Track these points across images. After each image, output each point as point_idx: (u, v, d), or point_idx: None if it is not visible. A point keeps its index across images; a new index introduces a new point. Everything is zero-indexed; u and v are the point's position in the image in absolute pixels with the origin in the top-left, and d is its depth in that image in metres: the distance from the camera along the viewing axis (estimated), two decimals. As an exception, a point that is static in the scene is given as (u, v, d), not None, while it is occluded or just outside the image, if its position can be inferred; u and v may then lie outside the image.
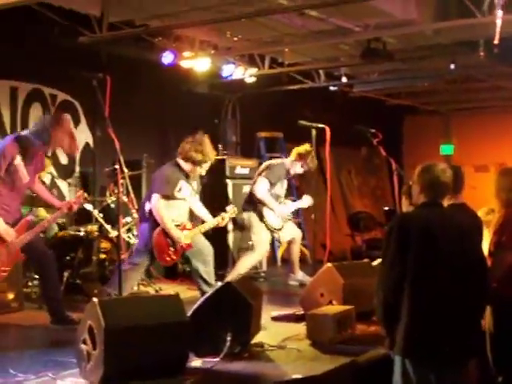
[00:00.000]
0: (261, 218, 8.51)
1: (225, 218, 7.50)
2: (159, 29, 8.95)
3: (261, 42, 9.82)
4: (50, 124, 6.20)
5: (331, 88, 12.32)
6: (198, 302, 5.27)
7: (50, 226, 7.80)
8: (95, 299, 4.57)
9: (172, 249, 7.13)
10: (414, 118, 16.38)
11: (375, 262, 8.00)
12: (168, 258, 7.16)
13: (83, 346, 4.62)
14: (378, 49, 9.09)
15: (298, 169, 8.75)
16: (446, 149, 15.47)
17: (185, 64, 10.05)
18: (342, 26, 8.76)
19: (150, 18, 8.67)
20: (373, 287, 6.10)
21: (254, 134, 12.04)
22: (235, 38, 9.51)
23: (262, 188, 8.52)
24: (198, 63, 10.11)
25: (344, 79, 11.79)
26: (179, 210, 7.29)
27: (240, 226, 8.85)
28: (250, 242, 8.56)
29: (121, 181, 8.08)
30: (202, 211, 7.57)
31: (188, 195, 7.35)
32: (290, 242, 8.95)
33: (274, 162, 8.90)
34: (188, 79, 10.69)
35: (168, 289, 8.30)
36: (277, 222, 8.60)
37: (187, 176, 7.31)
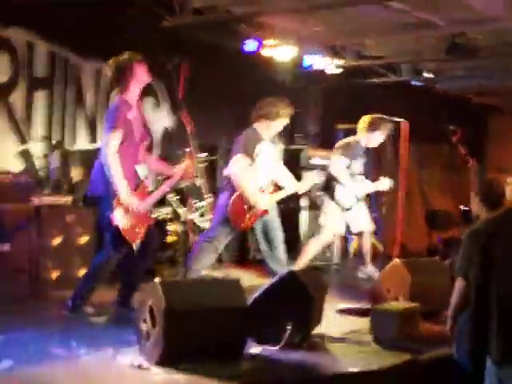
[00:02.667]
0: (332, 196, 8.27)
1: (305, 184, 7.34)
2: (242, 15, 8.94)
3: (344, 32, 9.73)
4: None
5: (414, 83, 12.14)
6: (261, 289, 5.26)
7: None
8: (157, 279, 4.62)
9: (248, 215, 6.95)
10: (499, 117, 16.00)
11: (447, 261, 7.92)
12: (243, 224, 6.97)
13: (143, 325, 4.68)
14: (463, 44, 8.91)
15: (375, 139, 8.33)
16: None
17: (266, 52, 10.04)
18: (427, 20, 8.62)
19: (232, 4, 8.69)
20: (441, 286, 6.09)
21: (334, 125, 11.96)
22: (318, 28, 9.44)
23: (338, 165, 8.24)
24: (279, 52, 10.09)
25: (427, 74, 11.60)
26: (260, 174, 7.04)
27: (313, 204, 8.70)
28: (320, 223, 8.41)
29: (201, 165, 8.26)
30: (286, 178, 7.31)
31: (268, 159, 7.09)
32: (360, 234, 8.74)
33: (349, 139, 8.50)
34: (269, 67, 10.66)
35: (237, 275, 8.31)
36: (349, 200, 8.31)
37: (265, 140, 7.08)
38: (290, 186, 7.27)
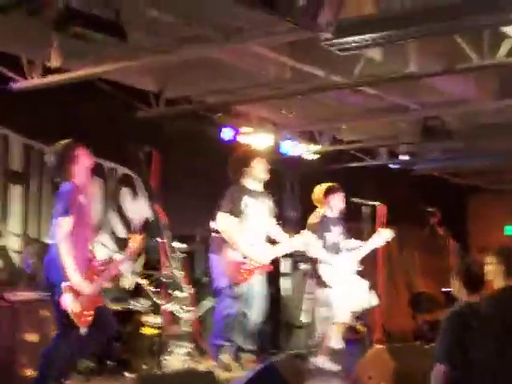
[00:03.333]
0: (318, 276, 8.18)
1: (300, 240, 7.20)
2: (214, 105, 9.06)
3: (318, 118, 9.85)
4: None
5: (392, 166, 12.23)
6: (240, 381, 5.13)
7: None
8: (133, 375, 4.51)
9: (243, 270, 6.87)
10: (478, 196, 16.08)
11: (432, 344, 7.80)
12: (241, 279, 6.90)
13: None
14: (436, 127, 9.00)
15: (336, 203, 8.36)
16: (510, 229, 15.12)
17: (243, 139, 10.12)
18: (399, 104, 8.72)
19: (206, 94, 8.79)
20: (425, 371, 5.97)
21: (313, 209, 11.94)
22: (290, 115, 9.54)
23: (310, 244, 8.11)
24: (256, 139, 10.17)
25: (404, 157, 11.70)
26: (249, 228, 7.02)
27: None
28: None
29: (174, 255, 8.18)
30: (281, 233, 7.26)
31: (257, 213, 7.08)
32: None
33: (313, 216, 8.54)
34: (246, 154, 10.68)
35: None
36: (334, 276, 8.17)
37: (251, 193, 7.09)
38: (286, 241, 7.23)
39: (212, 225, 7.03)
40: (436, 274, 14.81)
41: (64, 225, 5.84)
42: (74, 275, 5.76)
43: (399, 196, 12.43)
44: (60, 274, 5.80)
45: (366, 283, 8.36)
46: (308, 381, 5.80)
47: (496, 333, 4.81)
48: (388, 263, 12.83)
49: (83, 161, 6.07)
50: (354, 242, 8.50)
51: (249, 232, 6.99)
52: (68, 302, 5.75)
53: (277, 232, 7.25)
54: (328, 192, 8.42)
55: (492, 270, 5.31)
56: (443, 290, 12.12)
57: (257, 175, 7.15)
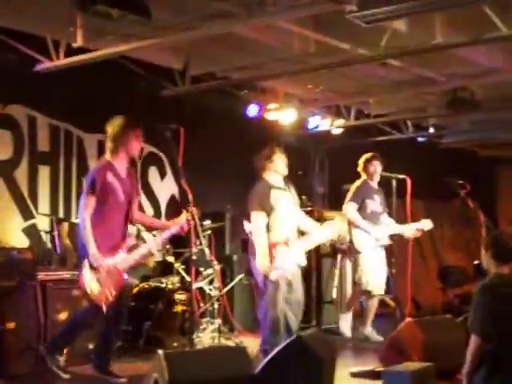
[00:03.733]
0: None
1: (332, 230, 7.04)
2: (239, 81, 9.02)
3: (345, 92, 9.80)
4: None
5: (419, 139, 12.12)
6: (269, 356, 5.13)
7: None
8: (160, 352, 4.52)
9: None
10: (508, 169, 15.90)
11: (461, 317, 7.77)
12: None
13: (150, 399, 4.58)
14: (464, 98, 8.91)
15: (376, 172, 8.66)
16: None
17: (270, 116, 10.10)
18: (426, 76, 8.63)
19: (231, 70, 8.76)
20: (456, 343, 5.94)
21: (340, 185, 11.91)
22: (317, 90, 9.49)
23: (348, 211, 8.52)
24: (283, 115, 10.15)
25: (432, 130, 11.60)
26: (283, 222, 6.90)
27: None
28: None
29: (205, 232, 8.21)
30: (310, 224, 7.17)
31: (286, 206, 6.98)
32: (373, 296, 8.65)
33: (355, 183, 8.81)
34: (274, 131, 10.68)
35: (249, 342, 8.16)
36: (366, 243, 8.46)
37: (277, 187, 7.02)
38: (318, 231, 7.08)
39: (246, 227, 6.98)
40: (466, 247, 14.75)
41: (86, 203, 5.93)
42: (91, 249, 5.84)
43: (427, 169, 12.35)
44: (84, 250, 5.92)
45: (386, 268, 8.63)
46: (337, 354, 5.76)
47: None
48: (417, 237, 12.81)
49: (133, 146, 6.18)
50: (391, 221, 8.72)
51: (283, 228, 6.93)
52: (86, 279, 5.87)
53: (307, 223, 7.19)
54: (366, 160, 8.74)
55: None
56: (474, 263, 12.04)
57: (278, 170, 7.11)
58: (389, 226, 8.61)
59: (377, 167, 8.69)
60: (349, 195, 8.68)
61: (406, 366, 5.85)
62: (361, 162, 8.78)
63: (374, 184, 8.74)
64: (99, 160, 6.38)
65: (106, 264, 5.92)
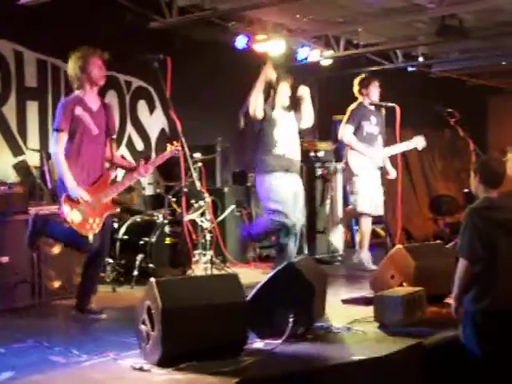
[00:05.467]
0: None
1: None
2: (227, 12, 8.91)
3: (333, 22, 9.70)
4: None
5: (409, 69, 12.05)
6: (260, 283, 5.19)
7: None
8: (153, 279, 4.56)
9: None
10: (498, 98, 15.87)
11: (451, 244, 7.84)
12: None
13: (143, 327, 4.62)
14: (453, 26, 8.83)
15: (373, 92, 8.61)
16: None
17: (259, 48, 10.01)
18: (415, 3, 8.54)
19: (218, 1, 8.67)
20: (445, 269, 6.01)
21: (332, 117, 11.89)
22: (305, 19, 9.40)
23: (344, 133, 8.56)
24: (271, 46, 10.06)
25: (421, 59, 11.52)
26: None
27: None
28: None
29: (196, 165, 8.23)
30: None
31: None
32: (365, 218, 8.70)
33: (351, 106, 8.76)
34: (263, 63, 10.58)
35: (242, 273, 8.23)
36: (361, 165, 8.50)
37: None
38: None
39: None
40: (456, 177, 14.83)
41: (57, 138, 5.92)
42: (68, 181, 5.84)
43: (417, 99, 12.32)
44: (61, 186, 5.93)
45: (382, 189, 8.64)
46: (328, 280, 5.83)
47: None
48: (407, 168, 12.85)
49: (95, 77, 6.06)
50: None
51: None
52: (66, 212, 5.88)
53: None
54: (362, 81, 8.67)
55: (510, 166, 5.29)
56: (464, 190, 12.11)
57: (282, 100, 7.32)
58: (385, 148, 8.59)
59: (376, 89, 8.63)
60: (344, 118, 8.65)
61: (396, 291, 5.93)
62: (356, 82, 8.71)
63: (371, 105, 8.66)
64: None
65: (86, 194, 5.92)
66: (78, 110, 5.97)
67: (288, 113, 7.57)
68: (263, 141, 7.38)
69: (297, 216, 7.36)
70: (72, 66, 6.05)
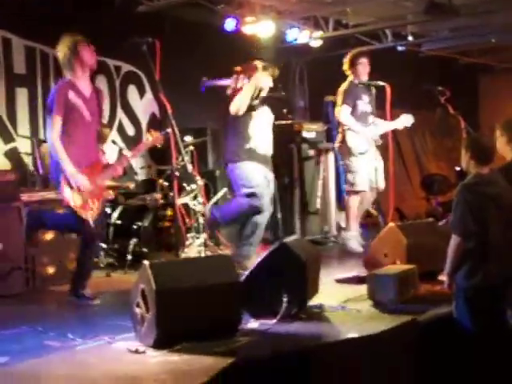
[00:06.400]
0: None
1: None
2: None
3: (321, 3, 9.67)
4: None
5: (399, 48, 12.02)
6: (254, 264, 5.20)
7: None
8: (146, 262, 4.57)
9: None
10: (489, 76, 15.86)
11: (443, 221, 7.88)
12: None
13: (137, 310, 4.63)
14: (441, 3, 8.80)
15: (363, 70, 8.58)
16: (524, 107, 14.99)
17: (248, 30, 9.98)
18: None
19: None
20: (438, 246, 6.04)
21: (322, 98, 11.87)
22: (294, 0, 9.38)
23: (341, 114, 8.50)
24: (261, 28, 10.03)
25: (411, 38, 11.49)
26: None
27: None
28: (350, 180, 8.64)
29: (187, 148, 8.23)
30: None
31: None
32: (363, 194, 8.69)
33: (343, 85, 8.70)
34: (252, 46, 10.58)
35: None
36: (361, 145, 8.47)
37: None
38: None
39: None
40: (447, 157, 14.84)
41: (53, 124, 5.91)
42: (67, 167, 5.85)
43: (408, 79, 12.31)
44: (59, 170, 5.93)
45: (382, 163, 8.63)
46: (321, 260, 5.86)
47: (506, 203, 4.84)
48: (399, 148, 12.85)
49: (86, 57, 6.04)
50: (377, 120, 8.69)
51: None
52: (67, 195, 5.90)
53: None
54: (353, 58, 8.62)
55: (499, 142, 5.32)
56: (456, 169, 12.13)
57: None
58: (378, 126, 8.57)
59: (366, 66, 8.59)
60: (339, 99, 8.59)
61: (389, 269, 5.97)
62: (347, 59, 8.66)
63: (361, 84, 8.62)
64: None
65: (86, 180, 5.93)
66: (72, 95, 5.97)
67: (263, 106, 7.47)
68: (238, 134, 7.27)
69: (267, 201, 7.34)
70: (63, 50, 6.03)
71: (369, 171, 8.48)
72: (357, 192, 8.54)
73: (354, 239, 8.53)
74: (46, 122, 8.35)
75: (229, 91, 7.38)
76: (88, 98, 6.10)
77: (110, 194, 6.40)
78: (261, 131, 7.33)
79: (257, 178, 7.22)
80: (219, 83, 7.30)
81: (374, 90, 8.57)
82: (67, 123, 5.94)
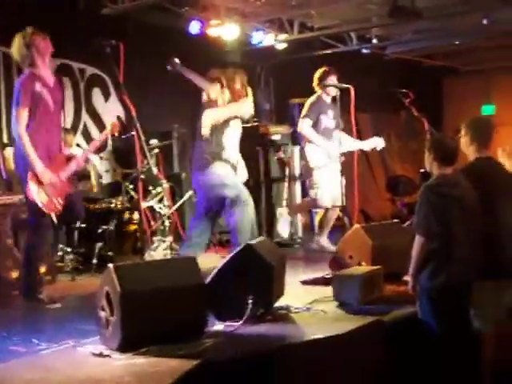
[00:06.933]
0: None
1: None
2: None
3: (286, 5, 9.70)
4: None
5: (364, 51, 12.09)
6: (219, 266, 5.19)
7: None
8: (110, 265, 4.54)
9: None
10: (453, 79, 15.99)
11: (407, 223, 7.93)
12: None
13: (102, 313, 4.60)
14: (405, 6, 8.87)
15: (331, 89, 8.58)
16: (488, 109, 15.14)
17: (213, 33, 9.98)
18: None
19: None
20: (402, 247, 6.08)
21: (288, 100, 11.90)
22: (259, 3, 9.40)
23: (302, 126, 8.54)
24: (226, 31, 10.04)
25: (375, 41, 11.57)
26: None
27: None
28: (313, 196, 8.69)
29: (153, 151, 8.21)
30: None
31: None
32: (327, 209, 8.74)
33: (310, 98, 8.76)
34: (217, 49, 10.59)
35: (202, 258, 8.22)
36: (320, 158, 8.52)
37: None
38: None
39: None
40: (412, 159, 14.93)
41: (20, 117, 5.87)
42: (36, 164, 5.85)
43: (373, 82, 12.39)
44: (25, 165, 5.90)
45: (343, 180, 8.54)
46: (286, 261, 5.86)
47: (469, 204, 4.87)
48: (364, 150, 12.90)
49: (43, 49, 6.00)
50: (344, 137, 8.70)
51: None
52: (33, 191, 5.88)
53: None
54: (321, 75, 8.66)
55: (463, 142, 5.35)
56: (420, 170, 12.22)
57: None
58: (342, 143, 8.50)
59: (334, 82, 8.61)
60: (303, 111, 8.64)
61: (354, 270, 5.99)
62: (316, 76, 8.69)
63: (328, 99, 8.68)
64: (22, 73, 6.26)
65: (54, 177, 5.92)
66: (37, 86, 5.94)
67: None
68: (211, 145, 7.17)
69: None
70: (17, 47, 6.02)
71: (331, 186, 8.47)
72: (320, 207, 8.63)
73: (327, 243, 8.65)
74: (8, 123, 8.45)
75: (204, 98, 7.30)
76: (52, 87, 6.09)
77: (72, 188, 6.36)
78: (233, 142, 7.29)
79: (231, 176, 7.23)
80: (188, 76, 7.18)
81: (338, 104, 8.50)
82: (34, 114, 5.91)
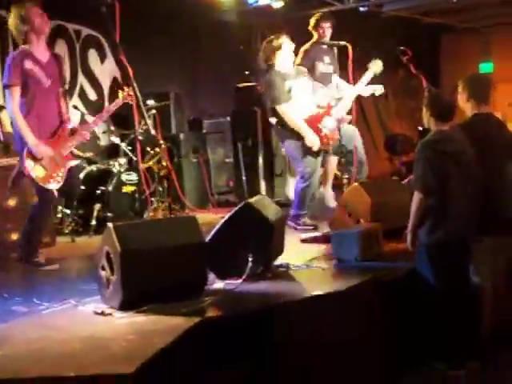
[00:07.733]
0: None
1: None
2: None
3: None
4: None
5: (361, 9, 11.98)
6: (219, 224, 5.20)
7: None
8: (110, 224, 4.56)
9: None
10: (451, 36, 15.88)
11: (406, 180, 7.92)
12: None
13: (102, 273, 4.63)
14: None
15: (326, 30, 8.52)
16: (486, 67, 15.05)
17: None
18: None
19: None
20: (402, 204, 6.10)
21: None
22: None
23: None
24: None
25: (373, -2, 11.48)
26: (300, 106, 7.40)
27: None
28: None
29: (150, 112, 8.19)
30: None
31: (302, 92, 7.47)
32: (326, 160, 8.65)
33: (305, 45, 8.64)
34: (214, 8, 10.51)
35: (201, 218, 8.24)
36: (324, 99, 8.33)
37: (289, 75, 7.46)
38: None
39: (272, 120, 7.44)
40: (410, 117, 14.90)
41: (11, 95, 5.87)
42: (29, 139, 5.85)
43: (370, 40, 12.30)
44: (22, 143, 5.92)
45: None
46: (284, 218, 5.88)
47: (466, 160, 4.88)
48: (362, 109, 12.87)
49: (38, 26, 5.97)
50: (342, 84, 8.57)
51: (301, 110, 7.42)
52: (29, 167, 5.91)
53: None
54: (317, 20, 8.58)
55: (460, 98, 5.34)
56: (418, 128, 12.21)
57: (287, 60, 7.51)
58: (339, 87, 8.44)
59: (330, 28, 8.53)
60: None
61: (353, 227, 6.01)
62: (312, 20, 8.63)
63: (324, 45, 8.58)
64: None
65: (49, 149, 5.92)
66: (28, 64, 5.92)
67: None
68: None
69: None
70: (13, 21, 6.00)
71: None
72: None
73: (330, 197, 8.57)
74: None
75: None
76: (45, 63, 6.06)
77: (75, 162, 6.35)
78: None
79: None
80: None
81: (336, 51, 8.52)
82: (26, 92, 5.91)
